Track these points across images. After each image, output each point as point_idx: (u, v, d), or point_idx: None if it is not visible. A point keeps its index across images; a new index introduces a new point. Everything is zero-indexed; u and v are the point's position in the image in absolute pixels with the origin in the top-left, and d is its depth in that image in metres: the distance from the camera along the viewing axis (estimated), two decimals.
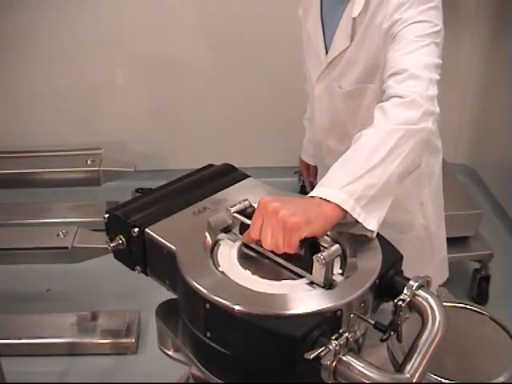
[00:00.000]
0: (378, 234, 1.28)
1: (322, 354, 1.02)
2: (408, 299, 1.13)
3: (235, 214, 1.29)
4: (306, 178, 2.42)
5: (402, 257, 1.27)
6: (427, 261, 2.02)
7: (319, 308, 1.09)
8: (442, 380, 1.28)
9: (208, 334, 1.15)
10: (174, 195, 1.43)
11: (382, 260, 1.21)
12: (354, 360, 1.04)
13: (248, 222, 1.24)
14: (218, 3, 3.75)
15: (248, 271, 1.21)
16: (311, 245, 1.16)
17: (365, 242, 1.27)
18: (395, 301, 1.14)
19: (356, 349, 1.19)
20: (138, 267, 1.36)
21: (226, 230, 1.32)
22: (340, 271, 1.21)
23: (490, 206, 3.90)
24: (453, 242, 3.18)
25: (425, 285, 1.16)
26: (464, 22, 3.83)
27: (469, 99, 4.08)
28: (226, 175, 1.51)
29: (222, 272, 1.20)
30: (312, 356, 1.02)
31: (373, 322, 1.14)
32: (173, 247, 1.24)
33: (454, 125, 4.16)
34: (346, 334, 1.06)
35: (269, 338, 1.07)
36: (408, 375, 1.05)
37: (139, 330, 2.99)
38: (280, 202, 1.18)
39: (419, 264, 1.90)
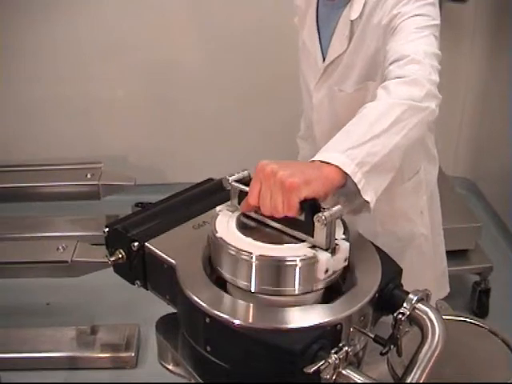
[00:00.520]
0: (377, 248, 1.29)
1: (322, 367, 1.02)
2: (408, 313, 1.13)
3: (234, 183, 1.25)
4: None
5: (401, 270, 1.27)
6: (428, 272, 2.03)
7: (319, 322, 1.09)
8: None
9: (208, 348, 1.15)
10: (174, 209, 1.44)
11: (381, 273, 1.21)
12: (353, 374, 1.04)
13: (247, 189, 1.20)
14: (216, 19, 3.77)
15: (249, 238, 1.17)
16: (311, 206, 1.13)
17: (364, 255, 1.27)
18: (395, 314, 1.13)
19: (356, 362, 1.19)
20: (138, 281, 1.36)
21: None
22: (343, 236, 1.17)
23: (489, 219, 3.91)
24: (453, 255, 3.18)
25: (424, 298, 1.16)
26: (462, 35, 3.85)
27: (467, 111, 4.09)
28: (225, 189, 1.51)
29: (221, 238, 1.16)
30: (312, 370, 1.02)
31: (372, 336, 1.14)
32: (173, 261, 1.24)
33: (453, 137, 4.17)
34: (346, 348, 1.06)
35: (268, 352, 1.07)
36: None
37: (139, 344, 2.98)
38: (277, 164, 1.15)
39: (420, 275, 1.93)
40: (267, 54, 3.75)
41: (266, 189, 1.14)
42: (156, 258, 1.28)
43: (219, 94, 3.93)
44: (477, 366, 1.37)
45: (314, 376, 1.02)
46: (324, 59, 1.81)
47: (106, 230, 1.39)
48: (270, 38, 3.70)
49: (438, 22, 1.55)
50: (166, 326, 1.36)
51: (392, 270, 1.25)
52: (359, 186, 1.20)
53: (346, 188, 1.22)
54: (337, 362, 1.03)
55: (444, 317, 1.17)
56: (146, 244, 1.30)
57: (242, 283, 1.15)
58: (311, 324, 1.08)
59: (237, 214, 1.25)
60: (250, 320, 1.09)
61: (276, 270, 1.12)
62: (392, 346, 1.13)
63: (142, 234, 1.33)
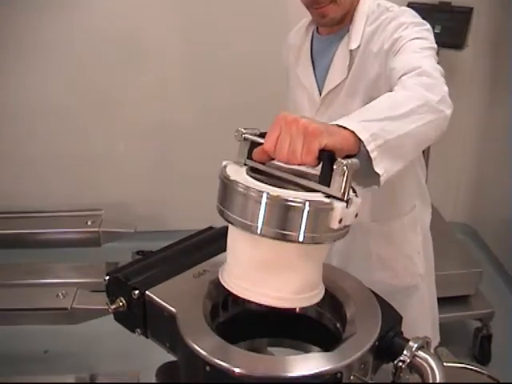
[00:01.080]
0: (376, 296, 1.29)
1: None
2: (408, 360, 1.13)
3: (246, 134, 1.24)
4: None
5: (401, 318, 1.27)
6: (423, 314, 2.08)
7: (319, 370, 1.08)
8: None
9: None
10: (175, 258, 1.44)
11: (381, 321, 1.22)
12: None
13: (260, 140, 1.18)
14: (211, 73, 3.82)
15: (262, 184, 1.13)
16: (330, 156, 1.10)
17: (364, 302, 1.27)
18: (395, 362, 1.14)
19: None
20: (139, 329, 1.36)
21: None
22: (354, 194, 1.14)
23: (490, 264, 3.90)
24: (454, 301, 3.19)
25: (424, 346, 1.16)
26: (460, 82, 3.89)
27: (467, 157, 4.12)
28: (225, 238, 1.52)
29: (235, 180, 1.15)
30: None
31: None
32: (173, 310, 1.24)
33: (452, 183, 4.19)
34: None
35: None
36: None
37: None
38: (295, 116, 1.14)
39: (416, 316, 1.96)
40: (262, 111, 3.77)
41: (285, 134, 1.12)
42: (156, 306, 1.28)
43: (218, 143, 3.94)
44: None
45: None
46: (320, 91, 1.85)
47: (107, 277, 1.39)
48: (263, 96, 3.75)
49: (435, 46, 1.62)
50: (166, 373, 1.36)
51: (392, 318, 1.25)
52: (372, 155, 1.19)
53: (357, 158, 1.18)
54: None
55: (445, 364, 1.16)
56: (147, 292, 1.30)
57: (252, 225, 1.11)
58: (311, 372, 1.08)
59: (244, 168, 1.23)
60: (251, 369, 1.08)
61: (288, 212, 1.08)
62: None
63: (143, 282, 1.33)
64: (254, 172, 1.21)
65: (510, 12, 3.69)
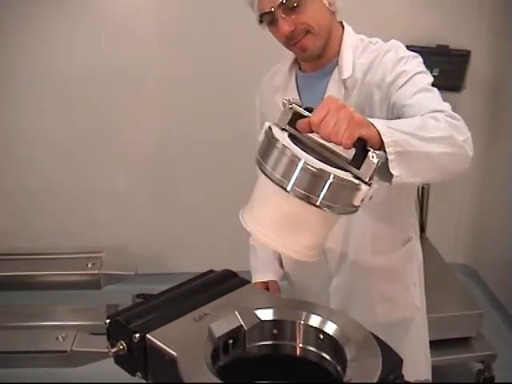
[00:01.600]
0: (376, 338, 1.29)
1: None
2: None
3: (295, 105, 1.33)
4: None
5: (401, 361, 1.27)
6: (419, 344, 2.07)
7: None
8: None
9: None
10: (175, 301, 1.44)
11: (381, 364, 1.22)
12: None
13: (307, 113, 1.30)
14: (212, 112, 3.85)
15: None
16: (363, 145, 1.25)
17: (364, 345, 1.27)
18: None
19: None
20: (139, 373, 1.36)
21: (231, 332, 1.32)
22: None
23: (491, 306, 3.89)
24: (455, 343, 3.17)
25: None
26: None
27: (467, 197, 4.13)
28: (226, 281, 1.52)
29: (279, 141, 1.25)
30: None
31: None
32: (174, 353, 1.24)
33: (452, 224, 4.19)
34: None
35: None
36: None
37: None
38: (343, 103, 1.28)
39: (411, 349, 1.97)
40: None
41: (333, 115, 1.25)
42: (157, 349, 1.28)
43: (220, 186, 3.97)
44: None
45: None
46: None
47: (108, 321, 1.39)
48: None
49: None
50: None
51: (392, 361, 1.25)
52: (389, 157, 1.29)
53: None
54: None
55: None
56: (148, 336, 1.30)
57: (285, 181, 1.23)
58: None
59: (285, 133, 1.32)
60: None
61: (320, 181, 1.22)
62: None
63: (144, 325, 1.33)
64: (292, 138, 1.32)
65: (506, 54, 3.74)
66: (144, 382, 1.36)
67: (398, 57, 1.71)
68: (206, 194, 4.01)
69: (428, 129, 1.40)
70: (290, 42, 1.75)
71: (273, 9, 1.68)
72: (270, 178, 1.26)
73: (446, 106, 1.55)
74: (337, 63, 1.81)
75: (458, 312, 3.16)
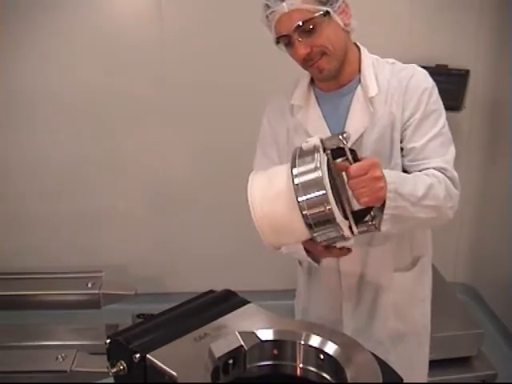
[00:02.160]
0: (376, 357, 1.29)
1: None
2: None
3: (345, 144, 1.47)
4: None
5: (401, 380, 1.27)
6: (423, 358, 2.09)
7: None
8: None
9: None
10: (175, 321, 1.44)
11: None
12: None
13: (350, 158, 1.49)
14: (212, 133, 3.86)
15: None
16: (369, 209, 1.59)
17: (365, 366, 1.27)
18: None
19: None
20: None
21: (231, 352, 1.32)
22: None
23: (491, 325, 3.87)
24: (455, 363, 3.17)
25: None
26: (458, 143, 3.92)
27: (467, 216, 4.13)
28: (226, 301, 1.53)
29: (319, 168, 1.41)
30: None
31: None
32: (174, 373, 1.24)
33: (452, 243, 4.19)
34: None
35: None
36: None
37: None
38: (383, 175, 1.54)
39: (416, 360, 2.05)
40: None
41: (367, 180, 1.50)
42: (157, 369, 1.28)
43: (219, 207, 3.97)
44: None
45: None
46: None
47: (108, 341, 1.39)
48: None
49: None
50: None
51: (392, 381, 1.25)
52: (384, 217, 1.60)
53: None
54: None
55: None
56: (148, 356, 1.30)
57: (299, 195, 1.41)
58: None
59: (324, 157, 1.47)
60: None
61: (326, 219, 1.40)
62: None
63: (144, 345, 1.33)
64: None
65: (505, 74, 3.75)
66: None
67: (422, 88, 1.80)
68: (205, 214, 4.01)
69: (428, 197, 1.67)
70: (306, 63, 1.78)
71: (289, 32, 1.71)
72: (292, 179, 1.42)
73: (451, 158, 1.80)
74: (359, 81, 1.84)
75: (458, 331, 3.16)
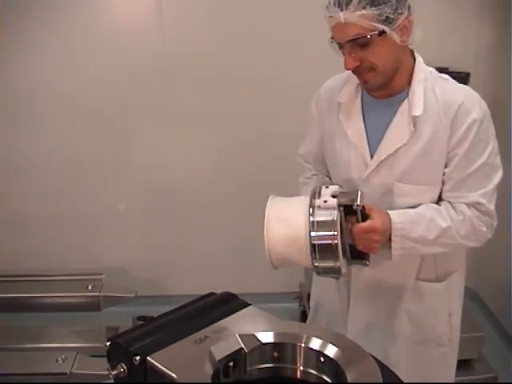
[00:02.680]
0: (376, 360, 1.29)
1: None
2: None
3: (358, 207, 1.68)
4: None
5: (402, 383, 1.27)
6: (443, 374, 2.07)
7: None
8: None
9: None
10: (176, 324, 1.44)
11: None
12: None
13: (359, 217, 1.71)
14: (213, 135, 3.86)
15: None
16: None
17: (365, 368, 1.27)
18: None
19: None
20: None
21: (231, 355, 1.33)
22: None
23: (492, 328, 3.87)
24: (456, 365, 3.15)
25: None
26: None
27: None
28: (226, 304, 1.53)
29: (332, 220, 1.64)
30: None
31: None
32: (174, 376, 1.24)
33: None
34: None
35: None
36: None
37: None
38: (381, 239, 1.74)
39: (435, 375, 2.01)
40: (263, 175, 3.79)
41: (363, 240, 1.73)
42: (157, 372, 1.28)
43: (219, 208, 3.97)
44: None
45: None
46: (371, 154, 1.87)
47: (108, 343, 1.39)
48: (268, 160, 3.79)
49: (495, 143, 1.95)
50: None
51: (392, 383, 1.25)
52: (393, 253, 1.80)
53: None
54: None
55: None
56: (148, 358, 1.30)
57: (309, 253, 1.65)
58: None
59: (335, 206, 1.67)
60: None
61: (328, 253, 1.63)
62: None
63: (144, 348, 1.33)
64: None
65: (505, 76, 3.75)
66: None
67: (471, 118, 1.80)
68: (206, 216, 4.01)
69: (441, 238, 1.80)
70: (353, 72, 1.79)
71: (342, 43, 1.71)
72: (310, 203, 1.67)
73: (491, 189, 1.91)
74: (407, 95, 1.82)
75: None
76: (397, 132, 1.82)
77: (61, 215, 3.96)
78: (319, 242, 1.62)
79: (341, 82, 1.95)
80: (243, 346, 1.35)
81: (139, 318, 3.47)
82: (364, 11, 1.65)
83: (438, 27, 3.71)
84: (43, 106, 3.78)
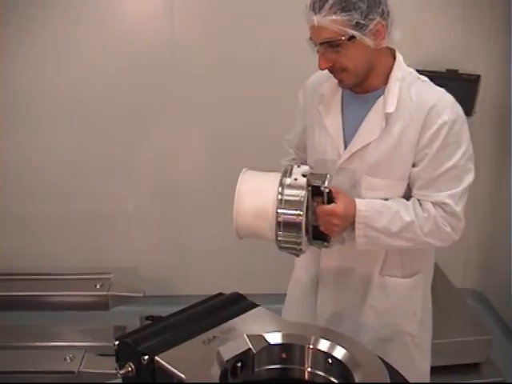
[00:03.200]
0: (384, 362, 1.29)
1: None
2: None
3: (325, 188, 1.74)
4: None
5: None
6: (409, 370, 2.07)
7: None
8: None
9: None
10: (184, 324, 1.45)
11: None
12: None
13: (325, 199, 1.77)
14: (223, 135, 3.86)
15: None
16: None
17: (373, 369, 1.27)
18: None
19: None
20: None
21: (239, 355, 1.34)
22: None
23: (500, 331, 3.85)
24: (464, 369, 3.15)
25: None
26: None
27: (476, 223, 4.11)
28: (235, 304, 1.53)
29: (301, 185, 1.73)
30: None
31: None
32: (182, 376, 1.24)
33: (461, 250, 4.17)
34: None
35: None
36: None
37: None
38: (341, 223, 1.80)
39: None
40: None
41: (325, 222, 1.80)
42: (166, 372, 1.28)
43: (229, 209, 3.96)
44: None
45: None
46: (345, 145, 1.94)
47: (117, 342, 1.40)
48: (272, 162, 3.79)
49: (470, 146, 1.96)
50: None
51: None
52: (357, 247, 1.87)
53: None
54: None
55: None
56: (156, 358, 1.30)
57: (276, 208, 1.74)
58: None
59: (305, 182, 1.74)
60: None
61: (293, 226, 1.72)
62: None
63: (152, 347, 1.34)
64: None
65: None
66: None
67: (442, 120, 1.83)
68: (215, 216, 4.00)
69: (409, 230, 1.83)
70: (329, 71, 1.86)
71: (316, 43, 1.78)
72: (281, 181, 1.74)
73: (459, 192, 1.91)
74: (383, 92, 1.88)
75: (467, 337, 3.15)
76: (369, 127, 1.89)
77: (70, 215, 3.96)
78: (285, 218, 1.70)
79: (327, 76, 1.98)
80: (251, 346, 1.35)
81: (147, 318, 3.46)
82: (335, 16, 1.72)
83: (447, 29, 3.70)
84: (44, 106, 3.78)
